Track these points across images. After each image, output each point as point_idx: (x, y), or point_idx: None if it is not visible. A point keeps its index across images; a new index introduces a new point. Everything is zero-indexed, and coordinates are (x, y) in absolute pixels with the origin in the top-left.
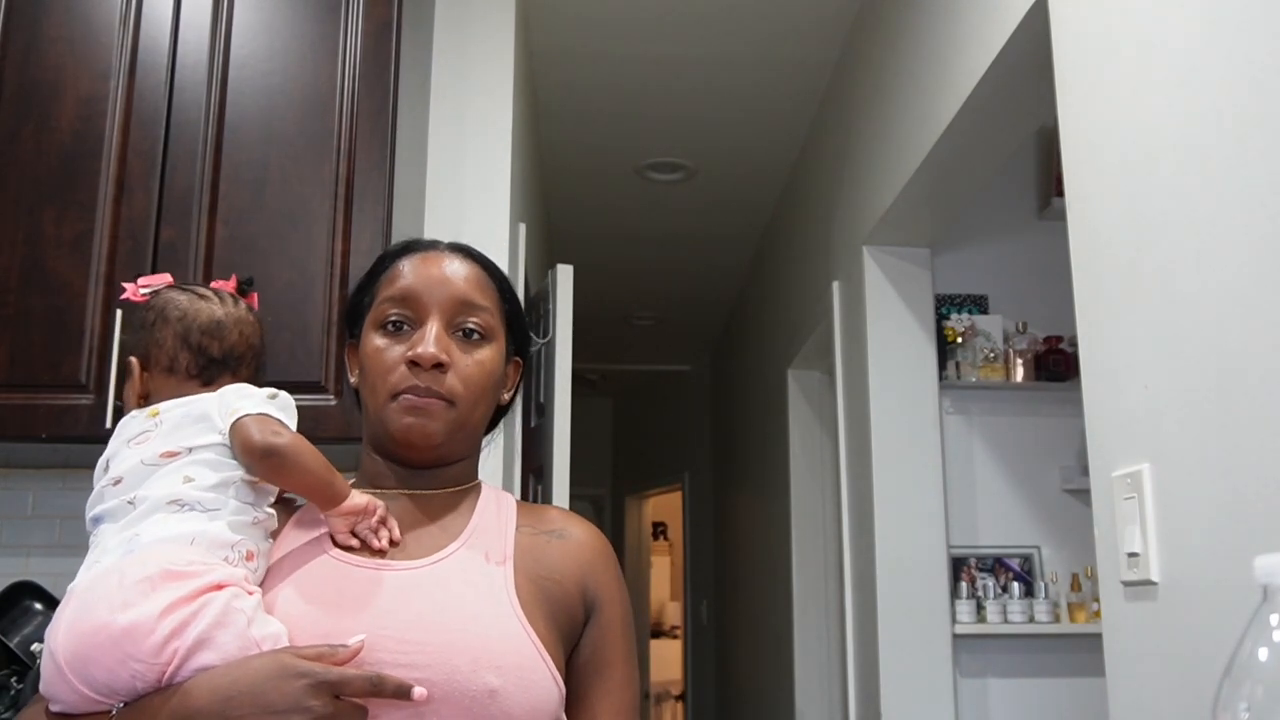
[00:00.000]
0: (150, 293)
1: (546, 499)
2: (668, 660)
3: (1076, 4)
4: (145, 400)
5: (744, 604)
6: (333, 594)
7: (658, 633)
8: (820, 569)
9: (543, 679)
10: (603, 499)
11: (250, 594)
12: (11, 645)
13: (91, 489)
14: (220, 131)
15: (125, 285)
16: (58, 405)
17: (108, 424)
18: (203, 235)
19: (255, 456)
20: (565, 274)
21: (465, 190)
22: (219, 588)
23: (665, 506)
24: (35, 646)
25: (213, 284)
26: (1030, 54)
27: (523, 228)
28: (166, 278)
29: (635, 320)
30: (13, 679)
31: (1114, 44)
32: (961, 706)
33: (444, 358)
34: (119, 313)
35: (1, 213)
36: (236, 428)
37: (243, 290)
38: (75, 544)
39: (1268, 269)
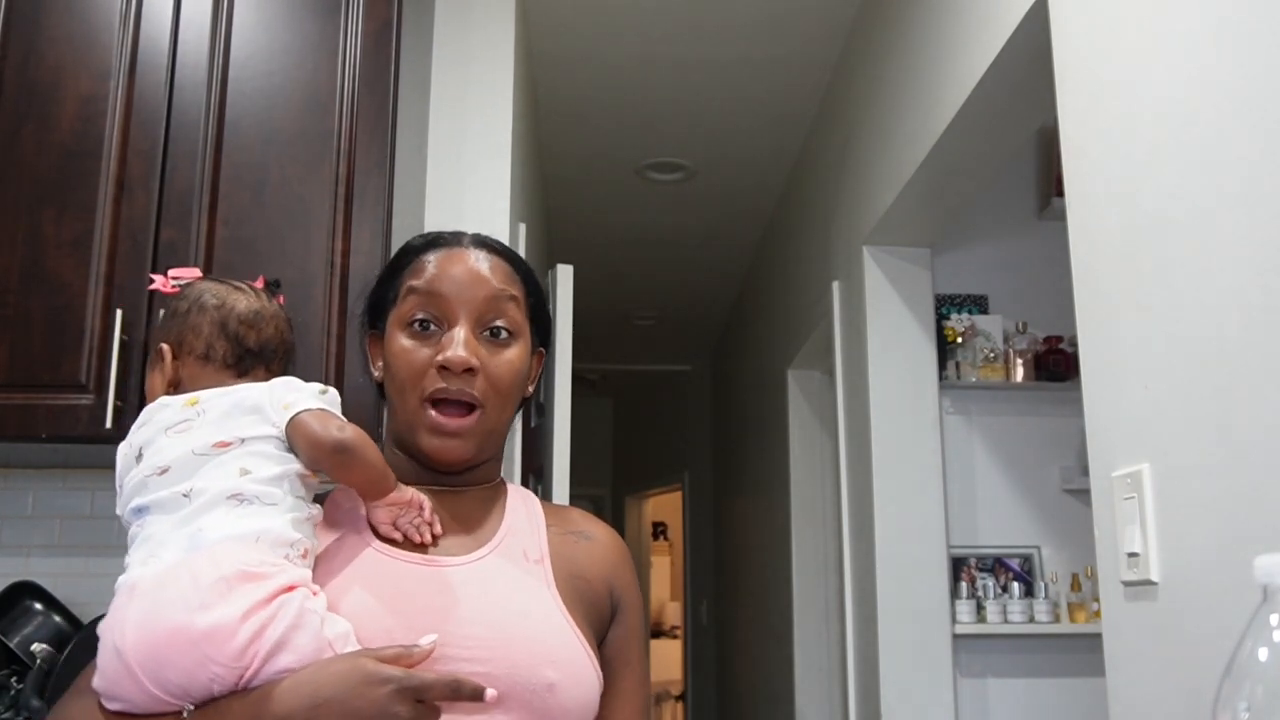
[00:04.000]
0: (182, 284)
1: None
2: (668, 660)
3: (1076, 4)
4: (174, 389)
5: (744, 604)
6: (389, 589)
7: (658, 633)
8: (820, 569)
9: (590, 674)
10: (603, 499)
11: (315, 594)
12: (11, 645)
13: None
14: (220, 131)
15: (154, 276)
16: (58, 405)
17: (108, 424)
18: (203, 235)
19: (324, 452)
20: (565, 274)
21: (465, 190)
22: (291, 589)
23: (665, 506)
24: (35, 646)
25: (246, 283)
26: (1030, 54)
27: (523, 228)
28: (196, 271)
29: (635, 320)
30: (13, 679)
31: (1114, 44)
32: (961, 706)
33: (474, 362)
34: (119, 312)
35: (1, 213)
36: (297, 423)
37: (271, 291)
38: (75, 544)
39: (1268, 269)
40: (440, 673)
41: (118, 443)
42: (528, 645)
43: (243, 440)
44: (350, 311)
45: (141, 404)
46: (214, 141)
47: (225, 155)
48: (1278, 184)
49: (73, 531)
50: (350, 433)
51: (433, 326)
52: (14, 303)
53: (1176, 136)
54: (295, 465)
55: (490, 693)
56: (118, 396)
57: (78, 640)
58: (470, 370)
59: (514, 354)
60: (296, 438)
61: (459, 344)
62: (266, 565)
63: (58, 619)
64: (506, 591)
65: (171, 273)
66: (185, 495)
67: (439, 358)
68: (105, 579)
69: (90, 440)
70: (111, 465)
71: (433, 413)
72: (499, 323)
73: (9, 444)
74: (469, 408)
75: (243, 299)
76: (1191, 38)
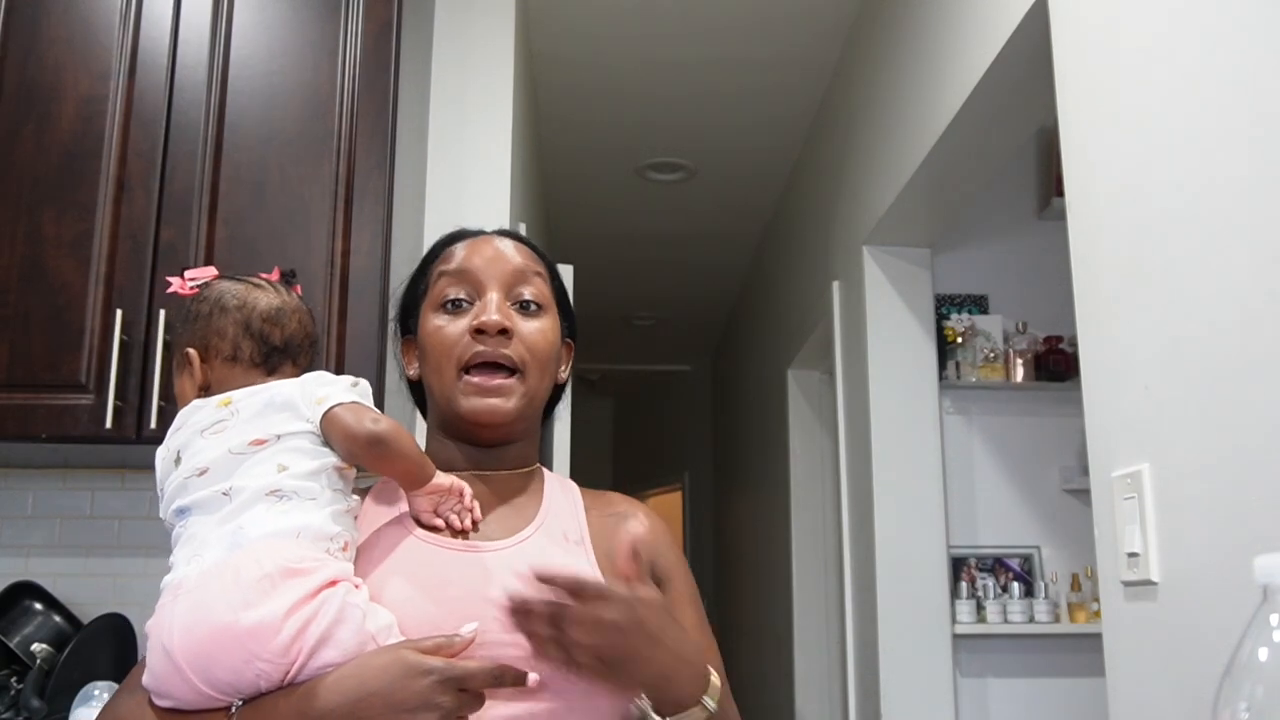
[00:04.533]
0: (199, 285)
1: None
2: None
3: (1076, 4)
4: (205, 392)
5: (744, 604)
6: (431, 577)
7: None
8: (820, 569)
9: None
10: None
11: (358, 587)
12: (11, 645)
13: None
14: (220, 131)
15: (171, 280)
16: (58, 405)
17: (108, 424)
18: (203, 235)
19: (360, 445)
20: (565, 274)
21: (465, 190)
22: (333, 584)
23: (665, 506)
24: (35, 646)
25: (262, 275)
26: (1030, 54)
27: (523, 228)
28: (212, 270)
29: (635, 320)
30: (13, 679)
31: (1114, 44)
32: (961, 706)
33: (508, 324)
34: (119, 312)
35: (1, 213)
36: (331, 417)
37: (287, 282)
38: (75, 544)
39: (1268, 269)
40: (483, 660)
41: (118, 443)
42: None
43: (278, 437)
44: (350, 311)
45: (142, 404)
46: (214, 141)
47: (225, 155)
48: (1277, 183)
49: (73, 531)
50: (385, 425)
51: (465, 303)
52: (14, 303)
53: (1176, 136)
54: (332, 459)
55: (533, 677)
56: (118, 396)
57: (78, 640)
58: (505, 332)
59: (546, 324)
60: (331, 432)
61: (492, 308)
62: (309, 561)
63: (58, 619)
64: None
65: (188, 274)
66: (225, 494)
67: (474, 322)
68: (105, 579)
69: (90, 440)
70: (112, 465)
71: (471, 376)
72: (528, 294)
73: (9, 444)
74: (508, 371)
75: (263, 296)
76: (1191, 37)
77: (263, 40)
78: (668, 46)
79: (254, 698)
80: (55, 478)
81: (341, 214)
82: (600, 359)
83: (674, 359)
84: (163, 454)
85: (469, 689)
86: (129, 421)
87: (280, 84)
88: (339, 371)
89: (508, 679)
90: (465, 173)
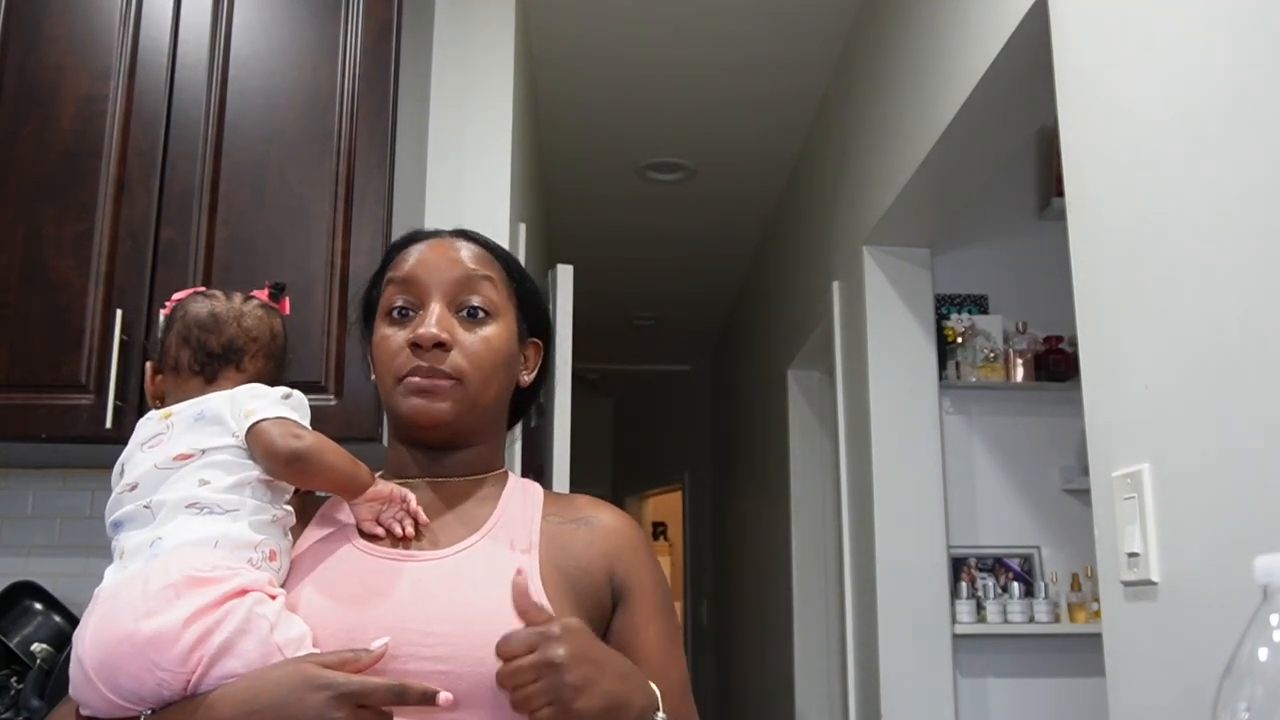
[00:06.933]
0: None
1: None
2: None
3: (1076, 4)
4: (160, 402)
5: (744, 604)
6: (357, 587)
7: None
8: (820, 569)
9: None
10: (603, 499)
11: (273, 598)
12: (11, 645)
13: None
14: (220, 131)
15: (168, 304)
16: (58, 405)
17: (108, 424)
18: (203, 235)
19: (280, 462)
20: (565, 274)
21: (465, 190)
22: (242, 593)
23: (665, 506)
24: (35, 646)
25: (253, 293)
26: (1030, 54)
27: (523, 227)
28: (198, 289)
29: (635, 320)
30: (13, 679)
31: (1114, 44)
32: (961, 706)
33: (444, 336)
34: (119, 312)
35: (1, 213)
36: (255, 433)
37: (274, 296)
38: (75, 544)
39: (1268, 269)
40: (386, 677)
41: (118, 443)
42: (494, 640)
43: (203, 451)
44: (350, 311)
45: (141, 404)
46: (214, 141)
47: (225, 155)
48: (1277, 183)
49: (73, 531)
50: (308, 441)
51: (410, 313)
52: (14, 303)
53: (1176, 136)
54: (255, 471)
55: (444, 696)
56: (118, 396)
57: None
58: (441, 345)
59: (490, 331)
60: (255, 448)
61: (430, 321)
62: (221, 570)
63: (58, 619)
64: (481, 585)
65: (175, 296)
66: (148, 508)
67: (411, 335)
68: None
69: (90, 440)
70: (112, 465)
71: (409, 377)
72: (474, 302)
73: (9, 444)
74: (445, 377)
75: (204, 305)
76: (1191, 38)
77: (263, 40)
78: (668, 46)
79: (162, 707)
80: (55, 478)
81: (341, 214)
82: (600, 359)
83: (674, 359)
84: (116, 465)
85: (368, 705)
86: (129, 421)
87: (280, 84)
88: (339, 372)
89: (411, 697)
90: (465, 173)
